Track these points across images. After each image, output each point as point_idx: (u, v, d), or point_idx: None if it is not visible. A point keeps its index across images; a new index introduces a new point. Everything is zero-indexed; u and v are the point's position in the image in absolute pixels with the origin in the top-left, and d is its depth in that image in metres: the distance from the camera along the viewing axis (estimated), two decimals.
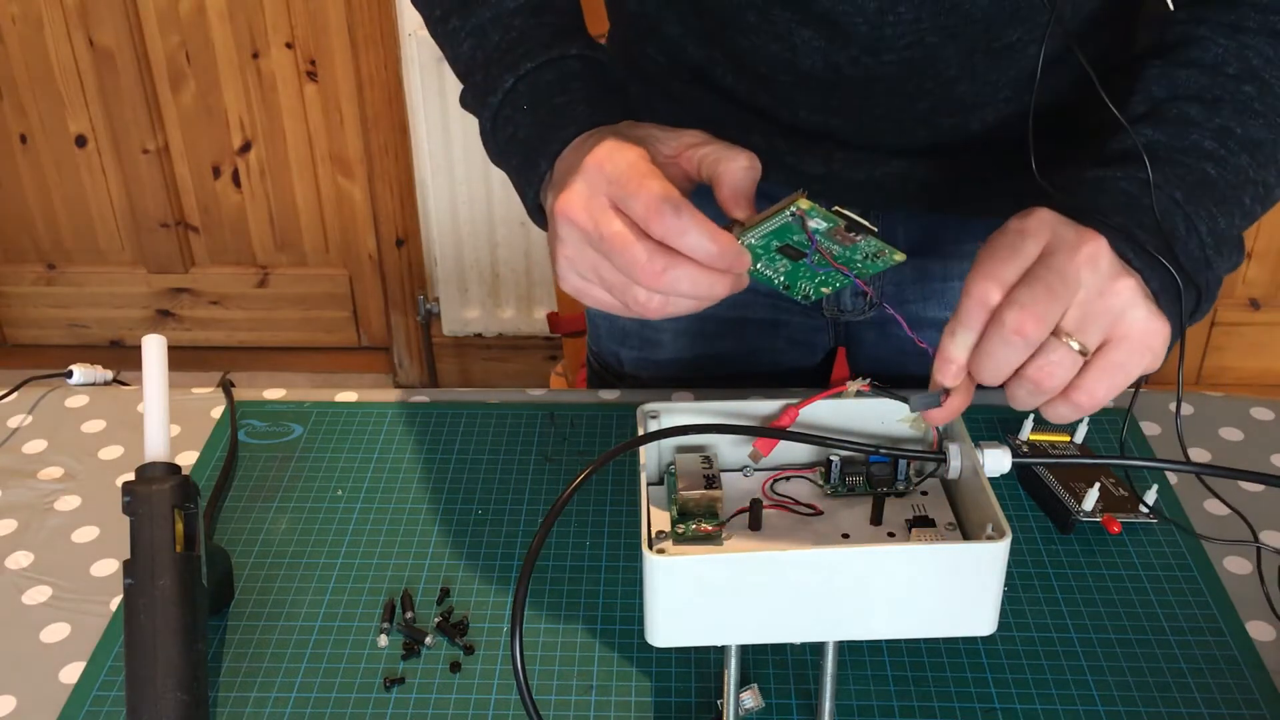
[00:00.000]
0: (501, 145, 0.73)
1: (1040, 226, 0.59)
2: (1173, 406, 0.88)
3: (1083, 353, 0.56)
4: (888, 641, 0.69)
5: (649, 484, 0.61)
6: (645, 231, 0.58)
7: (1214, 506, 0.78)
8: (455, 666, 0.68)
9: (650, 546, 0.53)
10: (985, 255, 0.58)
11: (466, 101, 0.76)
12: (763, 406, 0.63)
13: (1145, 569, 0.74)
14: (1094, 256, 0.57)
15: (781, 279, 0.63)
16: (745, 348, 0.98)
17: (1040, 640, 0.69)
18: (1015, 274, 0.57)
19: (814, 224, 0.59)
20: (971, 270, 0.58)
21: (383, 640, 0.70)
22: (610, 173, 0.60)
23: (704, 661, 0.68)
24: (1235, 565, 0.74)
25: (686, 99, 0.87)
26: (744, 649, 0.62)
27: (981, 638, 0.69)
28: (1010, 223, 0.60)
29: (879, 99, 0.79)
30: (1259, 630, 0.70)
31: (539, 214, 0.71)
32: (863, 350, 0.99)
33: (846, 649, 0.68)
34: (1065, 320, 0.57)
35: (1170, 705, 0.65)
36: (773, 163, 0.87)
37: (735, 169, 0.63)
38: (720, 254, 0.58)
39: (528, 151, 0.69)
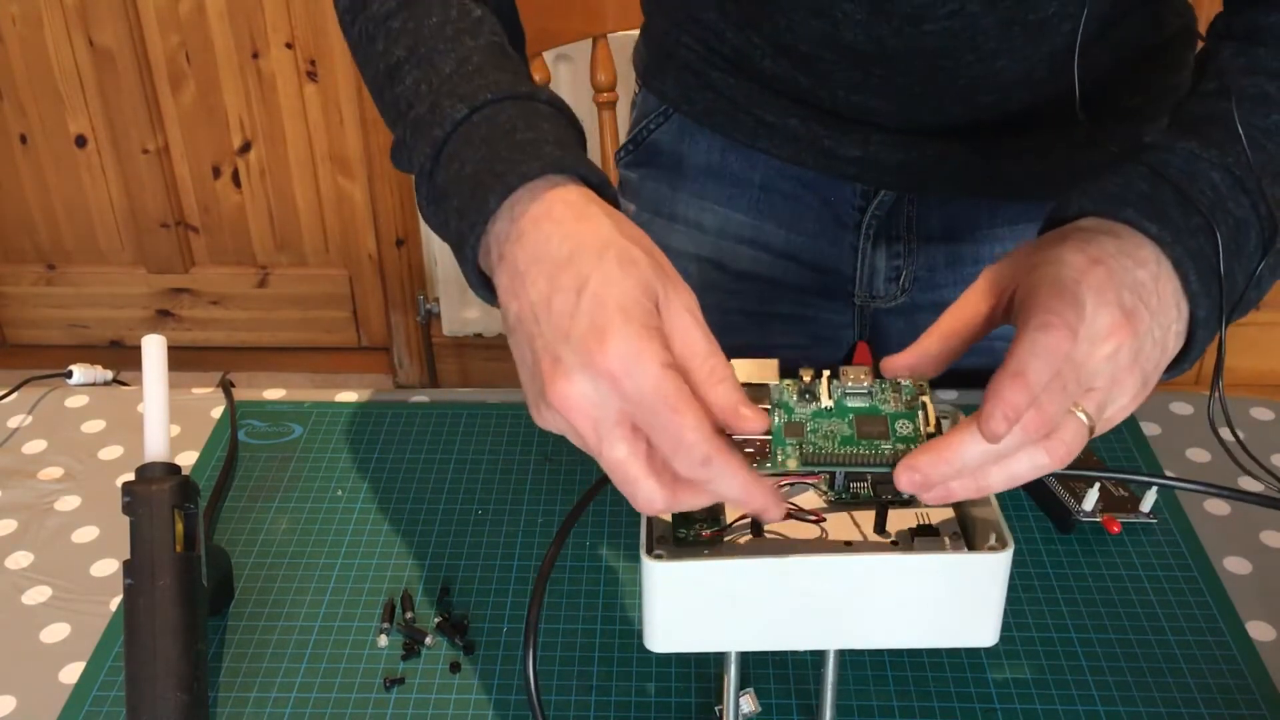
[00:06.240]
0: (440, 187, 0.60)
1: (1081, 310, 0.53)
2: (1173, 407, 0.88)
3: (1091, 427, 0.53)
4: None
5: None
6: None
7: (1214, 506, 0.78)
8: (455, 666, 0.68)
9: (649, 552, 0.53)
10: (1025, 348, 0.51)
11: (398, 150, 0.64)
12: None
13: (1145, 569, 0.74)
14: (1116, 350, 0.54)
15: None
16: (769, 342, 0.98)
17: (1040, 640, 0.69)
18: (1048, 377, 0.51)
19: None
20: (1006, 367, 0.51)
21: (383, 640, 0.70)
22: (630, 391, 0.49)
23: (704, 662, 0.68)
24: (1235, 565, 0.74)
25: (723, 87, 0.88)
26: (744, 653, 0.62)
27: None
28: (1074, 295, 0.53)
29: (919, 75, 0.79)
30: (1259, 630, 0.70)
31: (478, 278, 0.59)
32: (889, 341, 0.98)
33: (847, 650, 0.68)
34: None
35: (1170, 705, 0.65)
36: (810, 148, 0.88)
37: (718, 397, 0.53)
38: (749, 503, 0.51)
39: (475, 186, 0.57)
